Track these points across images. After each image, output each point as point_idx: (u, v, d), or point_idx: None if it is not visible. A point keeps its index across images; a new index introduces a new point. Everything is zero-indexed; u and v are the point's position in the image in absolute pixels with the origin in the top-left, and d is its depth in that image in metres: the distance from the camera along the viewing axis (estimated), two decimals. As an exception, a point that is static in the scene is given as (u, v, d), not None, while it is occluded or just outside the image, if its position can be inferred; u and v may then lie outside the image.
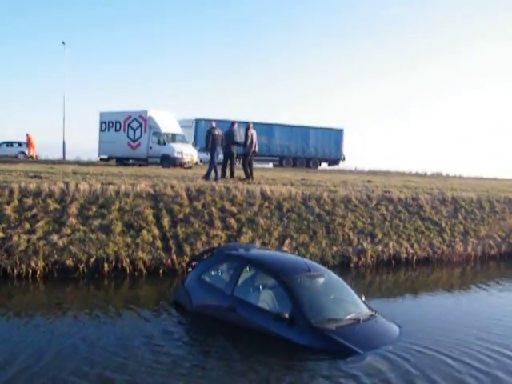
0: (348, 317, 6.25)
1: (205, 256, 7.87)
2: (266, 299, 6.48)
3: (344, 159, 35.84)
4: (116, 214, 10.34)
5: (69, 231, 9.65)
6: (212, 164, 14.82)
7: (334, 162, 36.20)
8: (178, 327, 6.84)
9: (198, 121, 32.30)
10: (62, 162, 25.66)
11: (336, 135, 35.78)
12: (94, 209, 10.39)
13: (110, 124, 25.61)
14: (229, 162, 15.67)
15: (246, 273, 6.91)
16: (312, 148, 34.93)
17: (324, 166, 35.96)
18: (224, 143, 15.16)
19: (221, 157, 15.71)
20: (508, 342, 6.58)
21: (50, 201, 10.34)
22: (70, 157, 30.45)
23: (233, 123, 15.61)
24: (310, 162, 34.64)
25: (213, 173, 14.64)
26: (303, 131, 34.82)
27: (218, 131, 14.89)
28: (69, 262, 9.04)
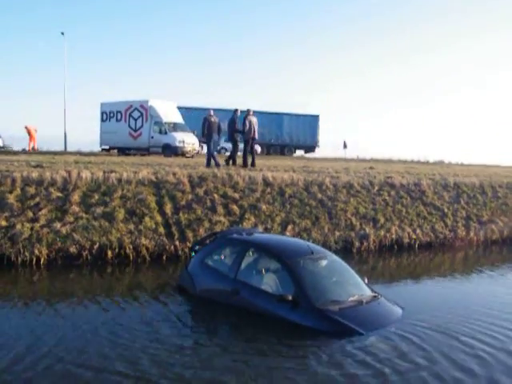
0: (351, 298, 6.27)
1: (208, 241, 7.89)
2: (269, 282, 6.51)
3: (346, 146, 35.43)
4: (118, 202, 10.35)
5: (72, 219, 9.68)
6: (208, 151, 14.92)
7: (309, 149, 35.40)
8: (183, 311, 6.87)
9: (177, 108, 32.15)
10: (64, 153, 25.64)
11: (311, 122, 35.02)
12: (97, 196, 10.41)
13: (111, 114, 25.60)
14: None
15: (249, 256, 6.93)
16: (286, 135, 34.16)
17: (300, 153, 35.06)
18: (228, 131, 15.38)
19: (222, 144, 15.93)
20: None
21: (52, 189, 10.35)
22: (71, 149, 30.43)
23: (235, 111, 15.65)
24: (284, 150, 34.02)
25: (213, 160, 14.70)
26: (277, 118, 33.90)
27: (214, 119, 14.95)
28: (72, 250, 9.08)
